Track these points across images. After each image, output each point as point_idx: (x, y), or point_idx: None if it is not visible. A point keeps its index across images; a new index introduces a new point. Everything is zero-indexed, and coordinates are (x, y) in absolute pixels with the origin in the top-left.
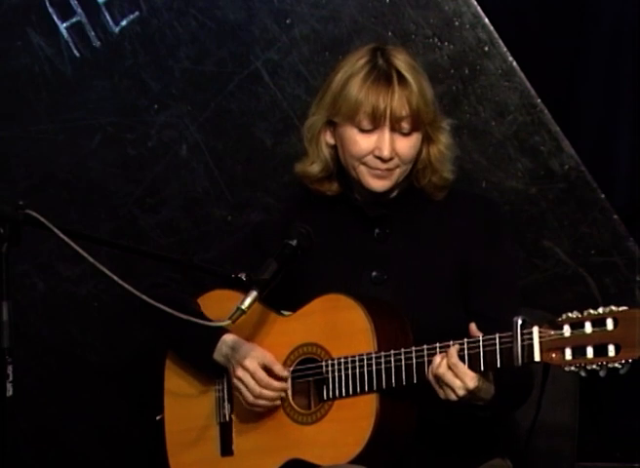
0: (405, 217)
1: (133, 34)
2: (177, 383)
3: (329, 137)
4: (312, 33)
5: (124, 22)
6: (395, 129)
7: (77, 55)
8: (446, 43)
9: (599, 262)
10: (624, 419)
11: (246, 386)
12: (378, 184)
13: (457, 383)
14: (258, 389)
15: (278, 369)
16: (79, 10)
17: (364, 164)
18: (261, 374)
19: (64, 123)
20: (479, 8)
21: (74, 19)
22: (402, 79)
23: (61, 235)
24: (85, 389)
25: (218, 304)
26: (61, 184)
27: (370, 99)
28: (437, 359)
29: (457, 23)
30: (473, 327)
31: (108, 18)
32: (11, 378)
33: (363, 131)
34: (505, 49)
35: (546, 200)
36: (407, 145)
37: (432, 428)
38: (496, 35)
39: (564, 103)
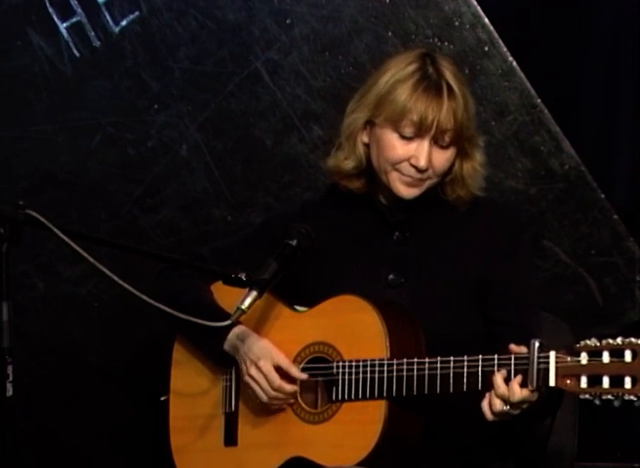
0: (426, 222)
1: (133, 34)
2: (184, 370)
3: (364, 136)
4: (312, 33)
5: (124, 22)
6: (436, 141)
7: (77, 55)
8: (446, 43)
9: (599, 262)
10: (624, 419)
11: (260, 387)
12: (407, 192)
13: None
14: (272, 392)
15: (295, 372)
16: (79, 10)
17: (397, 170)
18: (274, 377)
19: (64, 123)
20: (479, 8)
21: (74, 19)
22: (451, 91)
23: (61, 235)
24: (85, 389)
25: (231, 292)
26: (61, 184)
27: (419, 108)
28: (497, 401)
29: (457, 23)
30: (513, 346)
31: (108, 18)
32: (11, 378)
33: (404, 137)
34: (505, 49)
35: (546, 200)
36: (443, 158)
37: (438, 435)
38: (496, 35)
39: (564, 103)
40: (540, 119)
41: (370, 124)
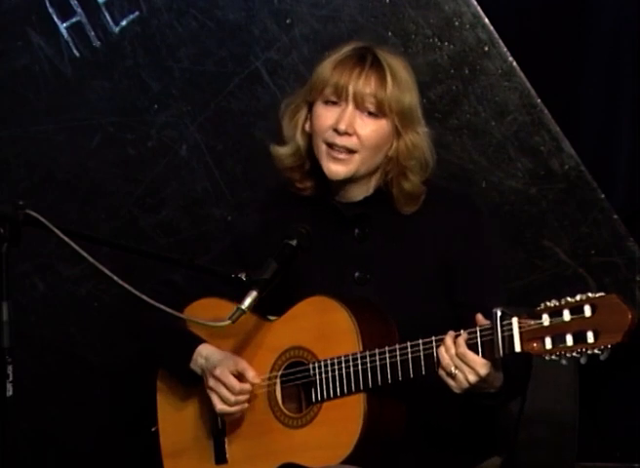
0: (383, 217)
1: (133, 34)
2: (169, 394)
3: (307, 125)
4: (312, 33)
5: (124, 22)
6: (359, 107)
7: (77, 55)
8: (446, 43)
9: (599, 262)
10: (624, 419)
11: (219, 395)
12: (335, 169)
13: (468, 371)
14: (232, 398)
15: (251, 375)
16: (79, 10)
17: (326, 143)
18: (232, 381)
19: (64, 123)
20: (479, 8)
21: (74, 19)
22: (376, 62)
23: (61, 235)
24: (85, 389)
25: (205, 313)
26: (61, 184)
27: (337, 74)
28: (443, 352)
29: (457, 23)
30: (479, 317)
31: (108, 18)
32: (11, 378)
33: (328, 104)
34: (505, 49)
35: (546, 200)
36: (369, 127)
37: (427, 427)
38: (496, 35)
39: (564, 103)
40: (540, 119)
41: (310, 110)
